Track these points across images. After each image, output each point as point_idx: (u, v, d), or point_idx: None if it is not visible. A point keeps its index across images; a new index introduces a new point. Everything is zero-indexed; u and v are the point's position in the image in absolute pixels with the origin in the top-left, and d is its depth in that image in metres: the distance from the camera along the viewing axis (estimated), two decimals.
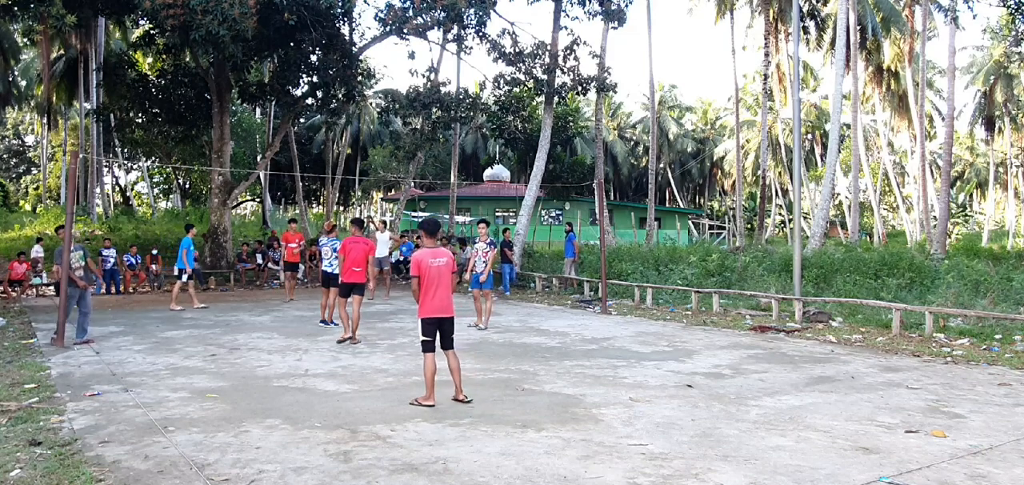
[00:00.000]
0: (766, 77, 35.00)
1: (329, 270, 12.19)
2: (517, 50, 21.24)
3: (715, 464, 4.90)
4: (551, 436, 5.55)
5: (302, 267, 20.11)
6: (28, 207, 43.26)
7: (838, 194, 48.67)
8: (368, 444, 5.34)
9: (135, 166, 46.39)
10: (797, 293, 13.57)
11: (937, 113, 48.63)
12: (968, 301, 12.45)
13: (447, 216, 31.25)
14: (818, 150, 50.78)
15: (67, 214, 10.61)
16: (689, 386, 7.45)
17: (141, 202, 50.40)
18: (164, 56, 23.78)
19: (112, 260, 18.39)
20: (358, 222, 11.70)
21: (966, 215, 59.89)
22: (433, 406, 6.38)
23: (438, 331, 6.56)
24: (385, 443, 5.37)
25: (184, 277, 14.90)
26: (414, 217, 37.78)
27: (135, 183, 52.91)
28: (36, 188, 49.18)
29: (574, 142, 45.41)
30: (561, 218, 37.18)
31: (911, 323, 11.61)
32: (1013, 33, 35.35)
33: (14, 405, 6.41)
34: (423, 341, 6.53)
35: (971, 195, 64.10)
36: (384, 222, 22.74)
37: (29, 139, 53.45)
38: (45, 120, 40.20)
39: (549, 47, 21.13)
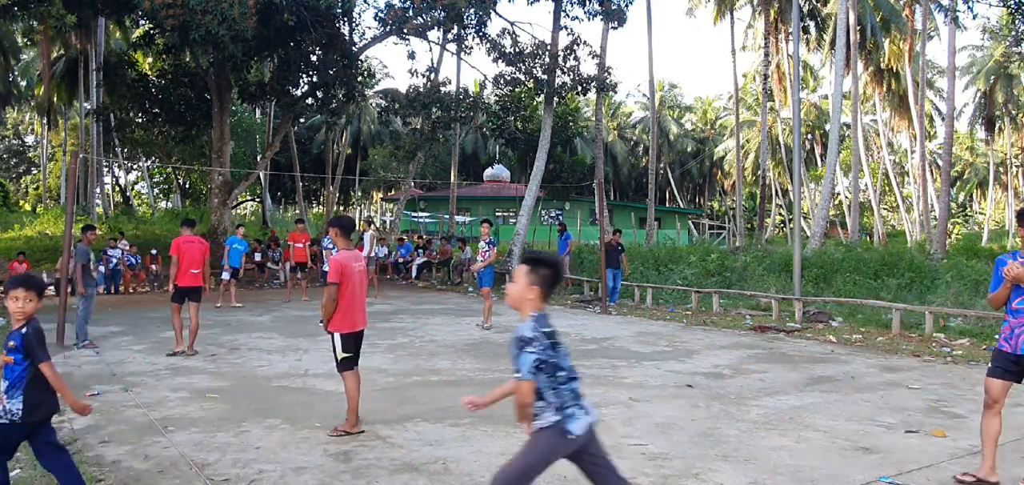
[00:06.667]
0: (766, 77, 35.01)
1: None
2: (517, 50, 21.22)
3: (715, 464, 4.90)
4: None
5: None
6: (28, 207, 43.22)
7: (838, 194, 48.62)
8: (368, 444, 5.34)
9: (135, 166, 46.42)
10: (797, 293, 13.56)
11: (937, 113, 48.62)
12: (968, 301, 12.44)
13: (447, 216, 31.29)
14: (818, 150, 50.76)
15: (67, 214, 10.61)
16: (689, 386, 7.45)
17: (141, 202, 50.39)
18: (164, 56, 23.80)
19: (116, 259, 18.40)
20: (189, 222, 9.79)
21: (966, 215, 59.91)
22: (363, 433, 5.61)
23: (356, 347, 5.76)
24: (385, 443, 5.37)
25: (226, 275, 15.66)
26: (414, 217, 37.80)
27: (135, 183, 52.93)
28: (36, 188, 49.15)
29: (574, 142, 45.41)
30: (561, 218, 37.20)
31: (911, 323, 11.61)
32: (1013, 33, 35.31)
33: None
34: (343, 359, 5.67)
35: (971, 195, 64.06)
36: (369, 220, 22.67)
37: (29, 139, 53.45)
38: (45, 120, 40.14)
39: (549, 47, 21.12)
